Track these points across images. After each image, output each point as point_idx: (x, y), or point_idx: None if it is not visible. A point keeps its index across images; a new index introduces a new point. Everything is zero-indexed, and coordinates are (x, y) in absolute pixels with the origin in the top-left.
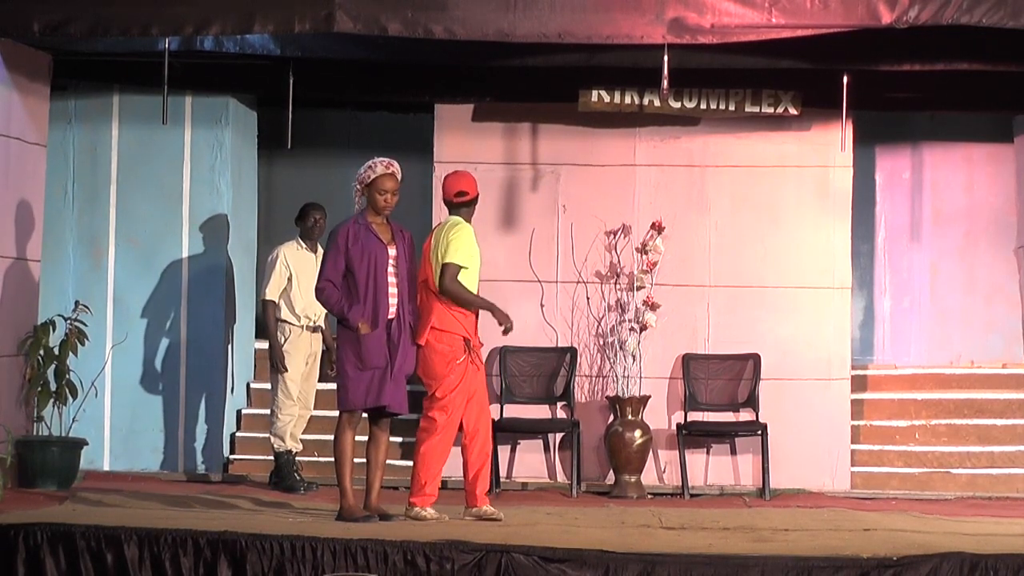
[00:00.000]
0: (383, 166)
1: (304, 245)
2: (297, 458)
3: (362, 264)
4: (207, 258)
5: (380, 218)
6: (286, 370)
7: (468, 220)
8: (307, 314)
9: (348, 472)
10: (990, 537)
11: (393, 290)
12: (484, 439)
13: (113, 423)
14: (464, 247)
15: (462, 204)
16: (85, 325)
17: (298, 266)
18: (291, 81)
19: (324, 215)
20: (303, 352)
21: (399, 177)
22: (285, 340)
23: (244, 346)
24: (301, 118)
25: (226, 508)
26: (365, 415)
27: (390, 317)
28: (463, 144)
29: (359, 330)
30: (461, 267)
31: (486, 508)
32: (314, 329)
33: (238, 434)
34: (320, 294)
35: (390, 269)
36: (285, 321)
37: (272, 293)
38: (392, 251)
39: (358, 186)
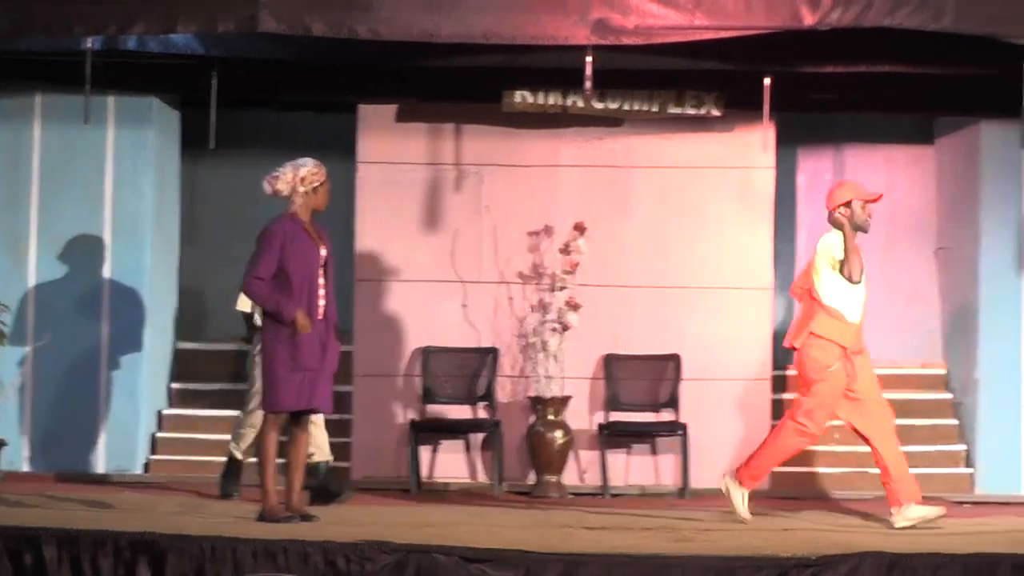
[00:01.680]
0: (321, 167)
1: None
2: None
3: (299, 265)
4: (129, 258)
5: (308, 219)
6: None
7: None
8: None
9: (271, 473)
10: (909, 536)
11: (322, 291)
12: (889, 441)
13: (34, 423)
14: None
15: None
16: (5, 325)
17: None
18: (215, 81)
19: None
20: None
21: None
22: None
23: (164, 346)
24: (225, 118)
25: (146, 509)
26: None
27: (319, 317)
28: (386, 144)
29: (297, 323)
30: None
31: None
32: None
33: (158, 434)
34: (249, 289)
35: (319, 270)
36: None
37: (244, 304)
38: (323, 251)
39: (302, 187)
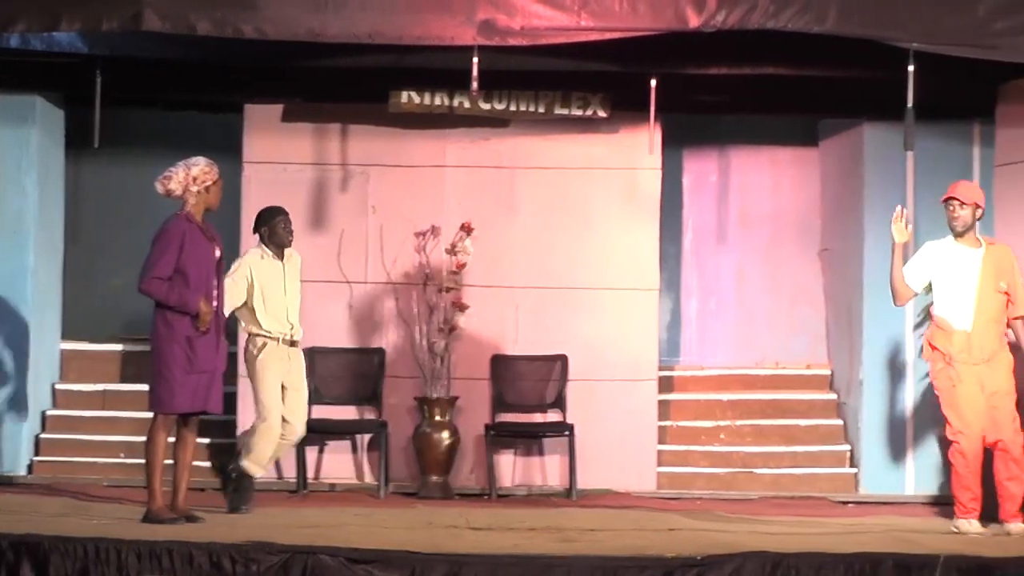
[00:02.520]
0: (213, 166)
1: (270, 253)
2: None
3: (195, 264)
4: (12, 258)
5: (201, 218)
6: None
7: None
8: (279, 327)
9: (158, 474)
10: (793, 536)
11: (215, 292)
12: (1001, 454)
13: None
14: None
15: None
16: None
17: (263, 276)
18: (99, 80)
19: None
20: (277, 368)
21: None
22: (258, 353)
23: (49, 347)
24: (109, 117)
25: (29, 510)
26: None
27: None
28: (273, 144)
29: (200, 315)
30: None
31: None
32: (291, 343)
33: (42, 436)
34: (148, 287)
35: (213, 270)
36: (256, 335)
37: (229, 306)
38: (217, 252)
39: (194, 186)
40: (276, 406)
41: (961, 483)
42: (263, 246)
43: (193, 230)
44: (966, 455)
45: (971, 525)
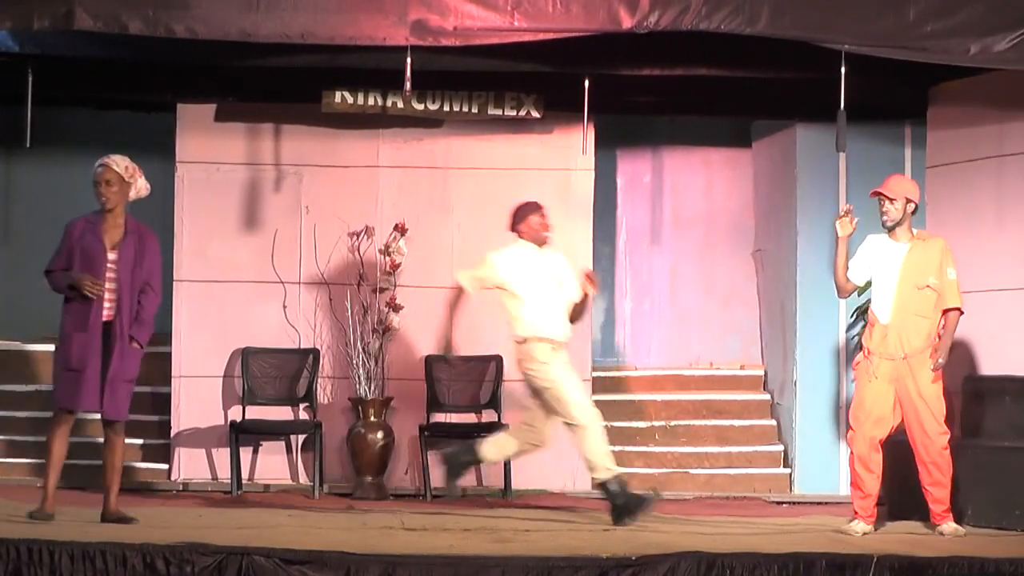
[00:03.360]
0: (97, 163)
1: (531, 247)
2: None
3: (81, 264)
4: None
5: (113, 217)
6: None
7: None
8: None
9: (52, 471)
10: (727, 536)
11: (110, 295)
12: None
13: None
14: None
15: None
16: None
17: (523, 268)
18: (30, 79)
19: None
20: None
21: (114, 169)
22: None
23: None
24: (41, 116)
25: None
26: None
27: (105, 319)
28: (206, 144)
29: (76, 283)
30: None
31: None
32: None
33: None
34: (47, 277)
35: (108, 274)
36: (527, 339)
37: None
38: (112, 255)
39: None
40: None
41: (852, 482)
42: (521, 240)
43: (89, 230)
44: (854, 453)
45: (857, 527)
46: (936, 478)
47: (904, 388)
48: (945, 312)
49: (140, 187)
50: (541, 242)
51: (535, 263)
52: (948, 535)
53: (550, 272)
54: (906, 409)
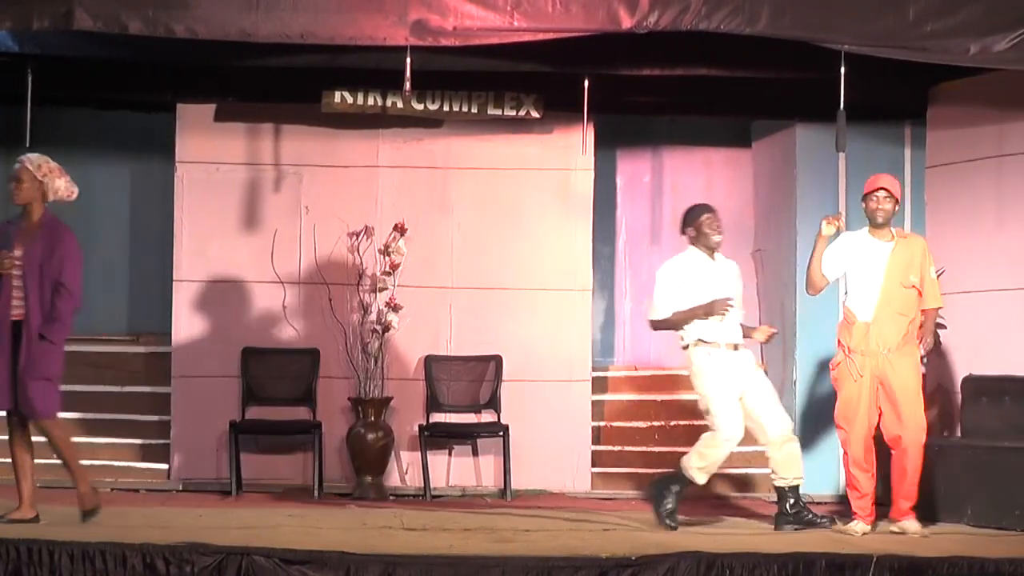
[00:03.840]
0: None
1: (703, 253)
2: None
3: None
4: None
5: (28, 216)
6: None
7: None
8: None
9: (17, 474)
10: (726, 536)
11: (18, 292)
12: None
13: None
14: None
15: None
16: None
17: (696, 276)
18: (30, 79)
19: (715, 215)
20: (724, 375)
21: (27, 167)
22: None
23: None
24: (41, 116)
25: None
26: None
27: (14, 319)
28: (205, 144)
29: None
30: None
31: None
32: (734, 347)
33: None
34: None
35: (15, 271)
36: (703, 342)
37: (662, 312)
38: (18, 252)
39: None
40: (723, 418)
41: (848, 483)
42: (693, 246)
43: (3, 230)
44: (848, 455)
45: (856, 527)
46: (911, 474)
47: (887, 383)
48: (922, 311)
49: (59, 187)
50: (712, 248)
51: (706, 275)
52: (911, 533)
53: (721, 287)
54: (888, 404)
